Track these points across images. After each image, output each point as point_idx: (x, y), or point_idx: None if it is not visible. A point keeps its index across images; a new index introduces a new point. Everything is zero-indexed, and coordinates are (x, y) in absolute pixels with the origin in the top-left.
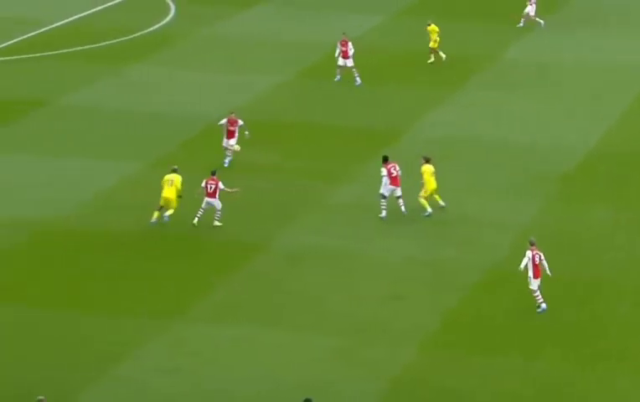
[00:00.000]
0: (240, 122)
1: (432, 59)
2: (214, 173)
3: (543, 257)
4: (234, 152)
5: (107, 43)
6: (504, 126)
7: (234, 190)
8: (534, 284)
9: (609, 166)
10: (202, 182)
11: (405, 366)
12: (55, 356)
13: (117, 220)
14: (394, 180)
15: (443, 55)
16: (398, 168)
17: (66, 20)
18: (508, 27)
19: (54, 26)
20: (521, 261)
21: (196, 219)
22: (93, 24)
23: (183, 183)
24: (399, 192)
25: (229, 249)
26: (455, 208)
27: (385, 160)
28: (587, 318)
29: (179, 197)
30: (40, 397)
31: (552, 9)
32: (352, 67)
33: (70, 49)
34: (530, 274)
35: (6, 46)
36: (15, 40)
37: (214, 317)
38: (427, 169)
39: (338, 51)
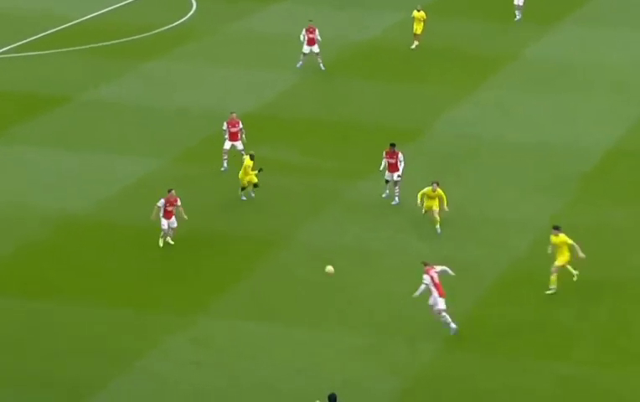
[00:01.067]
0: (240, 125)
1: (416, 44)
2: (170, 191)
3: (439, 270)
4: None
5: (129, 39)
6: (524, 125)
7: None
8: (441, 303)
9: (630, 165)
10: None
11: (427, 364)
12: (81, 349)
13: (141, 215)
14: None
15: (415, 44)
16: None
17: (88, 16)
18: (528, 25)
19: (76, 22)
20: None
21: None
22: (114, 21)
23: (252, 167)
24: (395, 177)
25: (253, 246)
26: (476, 207)
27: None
28: (608, 317)
29: (260, 170)
30: None
31: (576, 6)
32: (317, 53)
33: (92, 45)
34: (435, 295)
35: (30, 41)
36: (39, 35)
37: (237, 313)
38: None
39: (303, 38)
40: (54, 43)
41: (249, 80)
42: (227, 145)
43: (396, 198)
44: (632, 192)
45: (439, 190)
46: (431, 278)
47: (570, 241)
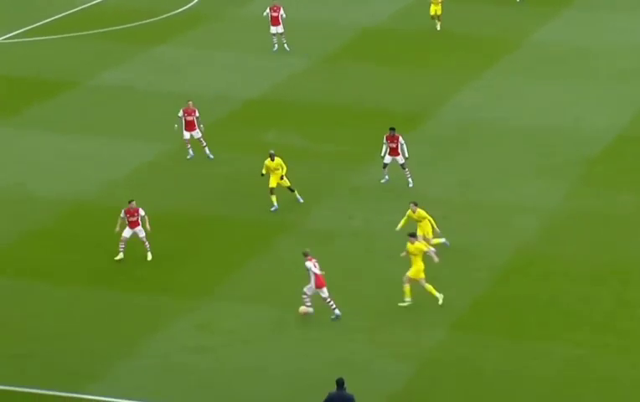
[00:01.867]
0: (197, 113)
1: (439, 28)
2: (130, 202)
3: (316, 263)
4: None
5: (137, 23)
6: (531, 110)
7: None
8: (325, 292)
9: (636, 151)
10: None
11: (433, 348)
12: (85, 333)
13: (147, 200)
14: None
15: (438, 25)
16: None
17: (97, 1)
18: (534, 9)
19: (85, 6)
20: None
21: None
22: (122, 5)
23: (275, 167)
24: (400, 160)
25: (256, 230)
26: (479, 192)
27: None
28: (613, 301)
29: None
30: None
31: None
32: (281, 34)
33: (101, 30)
34: (312, 284)
35: (39, 26)
36: (47, 20)
37: (240, 297)
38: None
39: (268, 16)
40: (63, 27)
41: (256, 65)
42: (186, 135)
43: (409, 181)
44: (637, 177)
45: (420, 211)
46: (313, 266)
47: (426, 248)
